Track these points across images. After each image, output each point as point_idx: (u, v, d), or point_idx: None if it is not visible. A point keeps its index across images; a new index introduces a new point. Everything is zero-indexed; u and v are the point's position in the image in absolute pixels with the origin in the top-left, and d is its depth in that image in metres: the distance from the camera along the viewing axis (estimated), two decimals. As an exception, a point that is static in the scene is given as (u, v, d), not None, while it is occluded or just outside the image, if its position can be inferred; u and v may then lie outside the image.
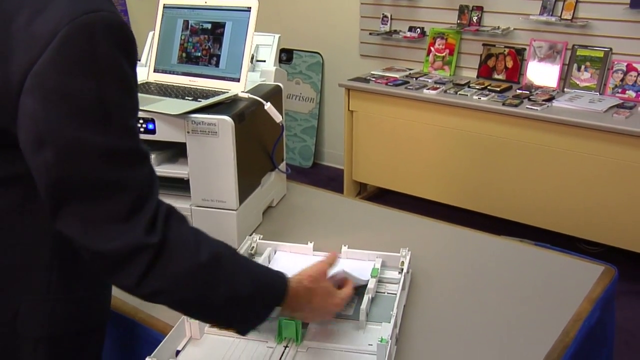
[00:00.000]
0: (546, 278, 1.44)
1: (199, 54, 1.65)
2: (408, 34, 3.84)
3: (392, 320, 1.15)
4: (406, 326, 1.26)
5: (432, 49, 3.81)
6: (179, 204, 1.53)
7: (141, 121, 1.46)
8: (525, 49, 3.51)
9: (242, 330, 1.01)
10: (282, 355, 1.11)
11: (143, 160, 0.93)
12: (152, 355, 1.05)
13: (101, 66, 0.86)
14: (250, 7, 1.58)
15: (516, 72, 3.54)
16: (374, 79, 3.65)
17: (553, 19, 3.33)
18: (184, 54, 1.66)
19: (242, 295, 0.96)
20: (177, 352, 1.13)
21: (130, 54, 0.90)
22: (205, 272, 0.92)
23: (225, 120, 1.42)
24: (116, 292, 1.30)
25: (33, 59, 0.83)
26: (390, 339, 1.09)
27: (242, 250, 1.40)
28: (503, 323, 1.28)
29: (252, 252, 1.44)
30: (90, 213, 0.87)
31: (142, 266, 0.88)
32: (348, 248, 1.41)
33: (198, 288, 0.93)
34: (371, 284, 1.26)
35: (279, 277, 1.04)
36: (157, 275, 0.89)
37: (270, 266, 1.31)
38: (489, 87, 3.42)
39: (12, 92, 0.85)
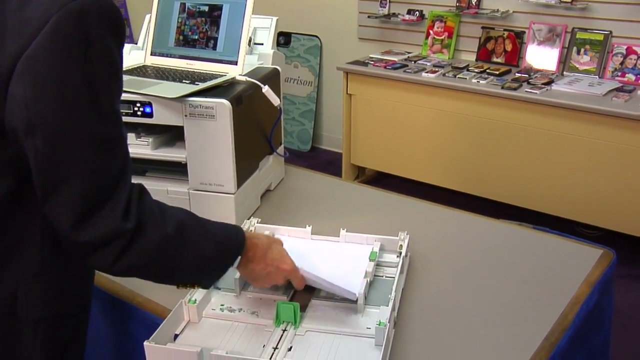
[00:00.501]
0: (545, 261, 1.44)
1: (196, 37, 1.63)
2: (407, 16, 3.82)
3: (391, 304, 1.15)
4: (404, 309, 1.26)
5: (430, 32, 3.79)
6: (177, 187, 1.53)
7: (138, 104, 1.45)
8: (524, 32, 3.49)
9: (207, 285, 1.12)
10: (280, 339, 1.11)
11: (123, 144, 0.95)
12: (150, 339, 1.05)
13: (93, 52, 0.86)
14: (247, -11, 1.57)
15: (515, 56, 3.53)
16: (372, 62, 3.64)
17: (553, 1, 3.31)
18: (181, 37, 1.65)
19: (207, 255, 1.02)
20: (176, 336, 1.13)
21: (120, 38, 0.91)
22: (173, 243, 0.97)
23: (222, 104, 1.41)
24: (114, 276, 1.31)
25: (24, 44, 0.83)
26: (389, 322, 1.09)
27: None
28: (501, 306, 1.28)
29: (250, 236, 1.43)
30: (76, 200, 0.88)
31: (118, 249, 0.91)
32: (346, 231, 1.41)
33: (168, 258, 0.97)
34: (369, 268, 1.26)
35: (238, 230, 1.10)
36: (131, 254, 0.92)
37: None
38: (487, 71, 3.41)
39: (2, 77, 0.84)
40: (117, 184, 0.91)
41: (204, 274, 1.06)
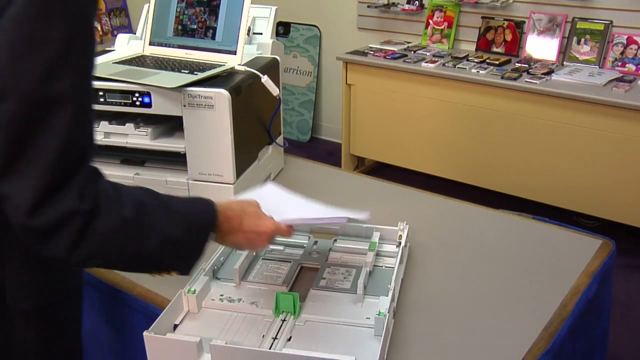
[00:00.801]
0: (544, 251, 1.44)
1: (195, 27, 1.63)
2: (406, 6, 3.80)
3: (390, 294, 1.15)
4: (404, 299, 1.26)
5: (430, 21, 3.78)
6: (176, 178, 1.52)
7: (137, 95, 1.45)
8: (524, 22, 3.48)
9: (185, 270, 1.00)
10: (279, 329, 1.11)
11: (92, 119, 0.89)
12: (149, 329, 1.05)
13: (72, 12, 0.82)
14: (246, -22, 1.56)
15: (515, 45, 3.51)
16: (371, 52, 3.63)
17: (553, -9, 3.30)
18: (179, 27, 1.64)
19: (176, 235, 0.94)
20: (175, 326, 1.13)
21: (96, 4, 0.88)
22: (133, 225, 0.90)
23: (221, 93, 1.40)
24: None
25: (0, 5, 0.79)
26: (388, 312, 1.09)
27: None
28: (501, 296, 1.28)
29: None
30: (40, 175, 0.82)
31: (74, 234, 0.84)
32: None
33: (129, 242, 0.90)
34: (369, 258, 1.26)
35: (207, 204, 1.02)
36: (88, 240, 0.85)
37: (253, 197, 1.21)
38: (487, 61, 3.40)
39: None
40: (82, 161, 0.86)
41: (177, 258, 0.97)
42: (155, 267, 0.98)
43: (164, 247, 0.93)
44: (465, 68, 3.29)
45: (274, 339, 1.08)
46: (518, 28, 3.49)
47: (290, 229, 1.13)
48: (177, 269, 0.99)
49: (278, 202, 1.17)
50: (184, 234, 0.96)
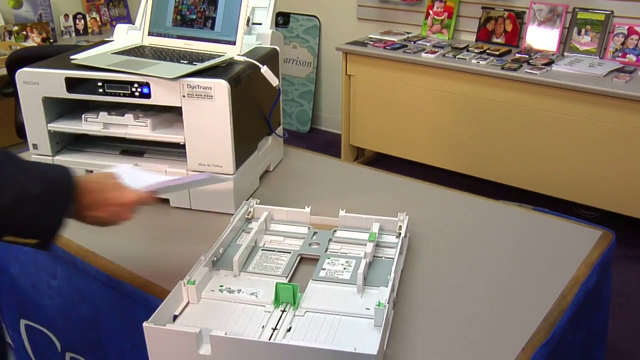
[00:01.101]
0: (544, 242, 1.44)
1: (194, 17, 1.62)
2: (406, -4, 3.79)
3: (390, 284, 1.15)
4: (403, 290, 1.26)
5: (430, 12, 3.77)
6: (176, 169, 1.52)
7: (136, 85, 1.44)
8: (525, 12, 3.47)
9: (43, 239, 0.96)
10: (279, 319, 1.11)
11: None
12: (149, 320, 1.04)
13: None
14: (245, -32, 1.55)
15: (515, 36, 3.51)
16: (371, 43, 3.62)
17: (554, -19, 3.28)
18: (178, 17, 1.64)
19: (32, 191, 0.90)
20: (175, 317, 1.13)
21: None
22: None
23: (220, 84, 1.40)
24: (113, 258, 1.31)
25: None
26: (388, 303, 1.09)
27: (239, 215, 1.40)
28: (501, 287, 1.28)
29: (249, 216, 1.43)
30: None
31: None
32: (346, 212, 1.41)
33: None
34: (369, 249, 1.26)
35: (64, 169, 0.99)
36: None
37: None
38: (487, 51, 3.39)
39: None
40: None
41: (35, 219, 0.92)
42: (12, 227, 0.92)
43: (20, 200, 0.89)
44: (465, 59, 3.28)
45: (274, 329, 1.08)
46: (518, 18, 3.48)
47: (152, 197, 1.13)
48: (35, 235, 0.95)
49: (137, 176, 1.16)
50: (41, 192, 0.92)
